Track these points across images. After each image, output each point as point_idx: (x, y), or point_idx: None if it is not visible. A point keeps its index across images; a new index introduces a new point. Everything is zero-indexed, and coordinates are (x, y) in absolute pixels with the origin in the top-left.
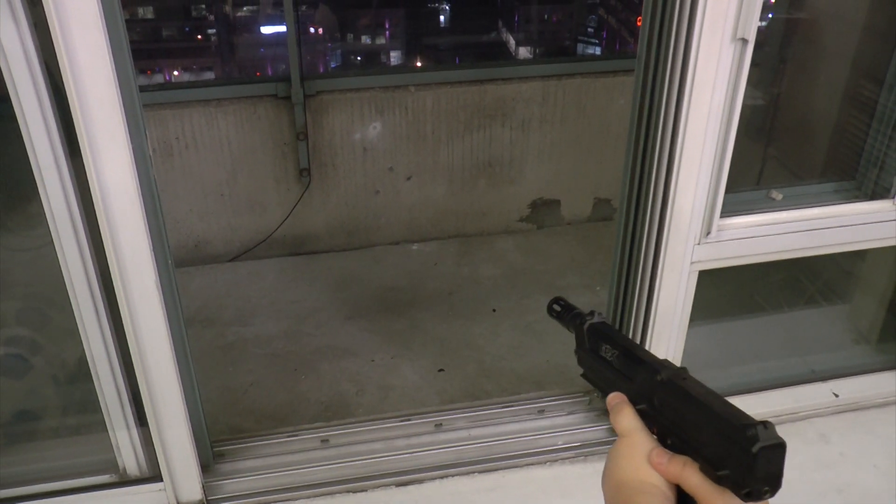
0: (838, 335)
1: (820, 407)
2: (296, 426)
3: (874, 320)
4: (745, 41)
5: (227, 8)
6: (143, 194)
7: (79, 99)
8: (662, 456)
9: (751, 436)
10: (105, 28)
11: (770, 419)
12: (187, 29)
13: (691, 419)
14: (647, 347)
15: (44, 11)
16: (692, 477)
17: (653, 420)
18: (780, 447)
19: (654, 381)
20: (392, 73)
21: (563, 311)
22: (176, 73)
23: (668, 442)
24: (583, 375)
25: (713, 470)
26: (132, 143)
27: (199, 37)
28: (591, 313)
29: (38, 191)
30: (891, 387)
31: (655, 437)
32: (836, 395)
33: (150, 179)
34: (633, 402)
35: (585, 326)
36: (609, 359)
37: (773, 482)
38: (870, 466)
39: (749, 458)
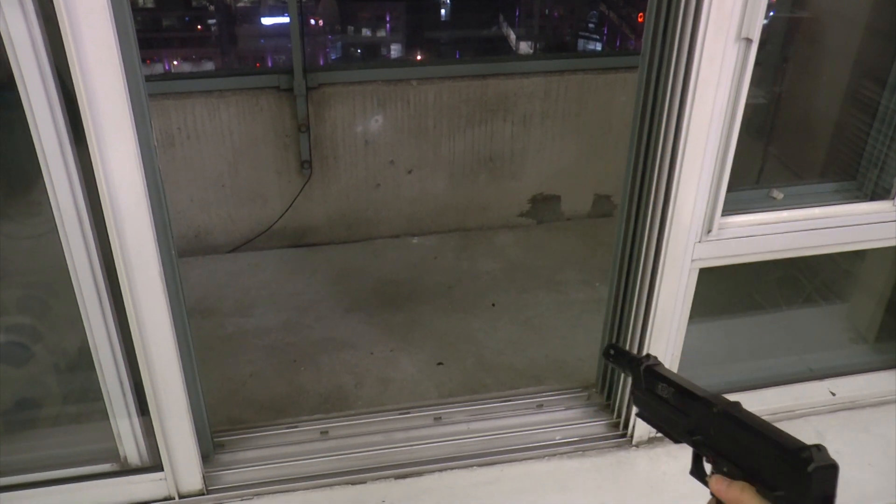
0: (836, 334)
1: (817, 405)
2: (295, 418)
3: (872, 320)
4: (749, 41)
5: None
6: (148, 184)
7: (86, 89)
8: (721, 482)
9: (806, 457)
10: (112, 18)
11: (767, 416)
12: (188, 19)
13: (747, 446)
14: (646, 344)
15: (51, 0)
16: (751, 500)
17: (709, 449)
18: (832, 468)
19: (711, 413)
20: (395, 66)
21: (619, 356)
22: (175, 63)
23: (724, 469)
24: (638, 415)
25: (770, 491)
26: (138, 133)
27: (199, 27)
28: (647, 356)
29: (43, 179)
30: (887, 386)
31: (711, 465)
32: (833, 394)
33: (155, 170)
34: (690, 433)
35: (642, 368)
36: (665, 396)
37: (827, 501)
38: (865, 465)
39: (804, 478)
